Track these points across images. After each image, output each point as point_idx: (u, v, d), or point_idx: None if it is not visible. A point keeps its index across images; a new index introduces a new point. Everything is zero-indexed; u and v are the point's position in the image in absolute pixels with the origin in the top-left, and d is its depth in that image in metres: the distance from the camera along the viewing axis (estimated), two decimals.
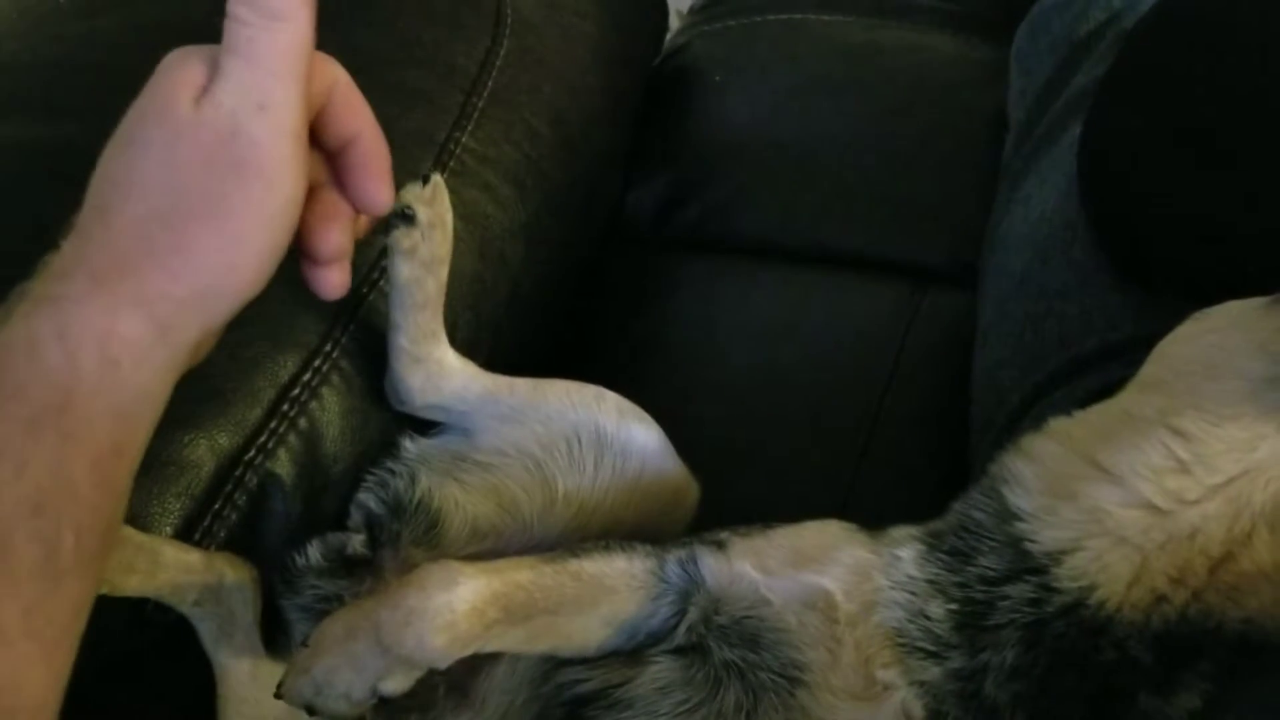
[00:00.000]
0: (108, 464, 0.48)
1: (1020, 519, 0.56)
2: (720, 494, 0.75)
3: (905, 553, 0.58)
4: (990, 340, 0.85)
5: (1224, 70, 0.71)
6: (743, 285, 1.08)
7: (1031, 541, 0.55)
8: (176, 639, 0.65)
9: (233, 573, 0.65)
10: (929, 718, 0.55)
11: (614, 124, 1.09)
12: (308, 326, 0.73)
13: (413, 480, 0.71)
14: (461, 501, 0.70)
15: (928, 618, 0.56)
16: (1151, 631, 0.53)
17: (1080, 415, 0.59)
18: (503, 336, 0.86)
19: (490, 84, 0.91)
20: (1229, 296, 0.58)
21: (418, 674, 0.58)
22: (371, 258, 0.76)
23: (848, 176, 1.11)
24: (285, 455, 0.69)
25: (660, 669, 0.58)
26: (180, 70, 0.52)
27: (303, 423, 0.71)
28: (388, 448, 0.74)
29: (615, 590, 0.59)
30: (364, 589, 0.67)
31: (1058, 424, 0.59)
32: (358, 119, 0.58)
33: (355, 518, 0.72)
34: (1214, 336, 0.57)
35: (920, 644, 0.55)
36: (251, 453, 0.68)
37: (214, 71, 0.51)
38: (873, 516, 0.62)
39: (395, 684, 0.57)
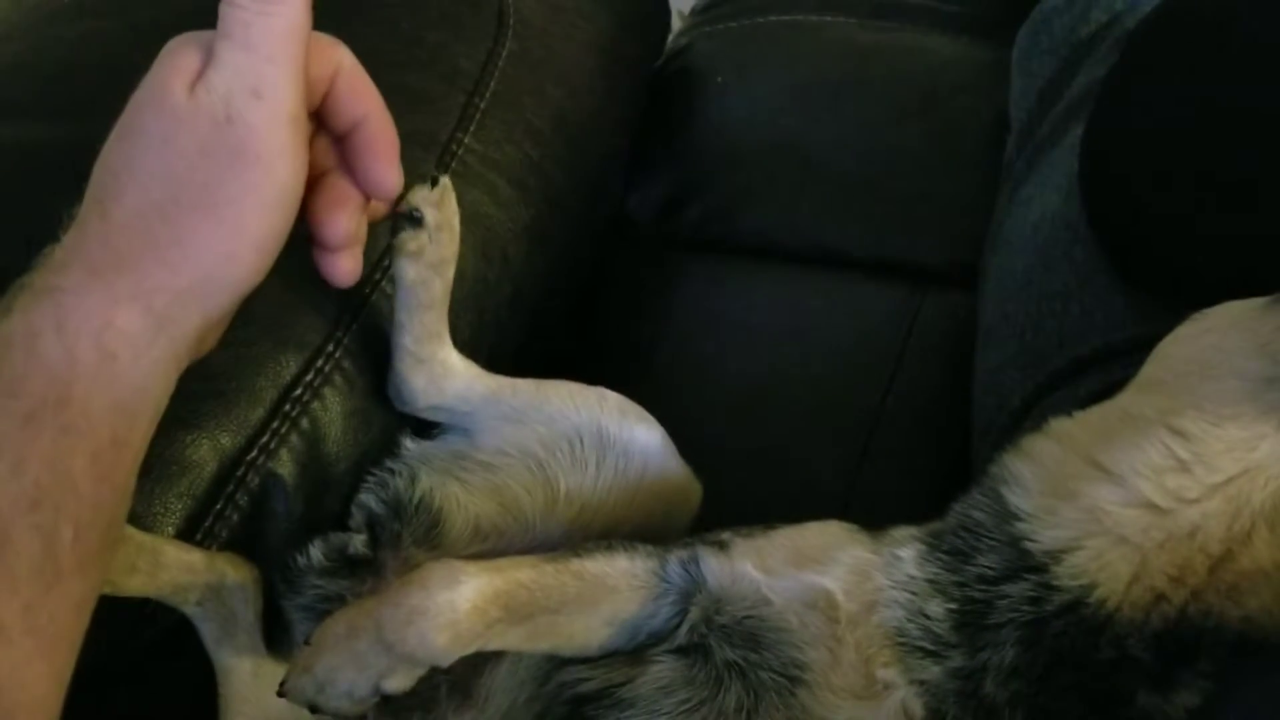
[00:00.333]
0: (107, 458, 0.48)
1: (1020, 519, 0.56)
2: (721, 494, 0.75)
3: (906, 552, 0.58)
4: (991, 341, 0.85)
5: (1225, 72, 0.71)
6: (744, 286, 1.08)
7: (1031, 541, 0.55)
8: (178, 639, 0.65)
9: (234, 572, 0.65)
10: (929, 717, 0.55)
11: (616, 125, 1.09)
12: (310, 326, 0.73)
13: (413, 480, 0.71)
14: (463, 501, 0.71)
15: (927, 617, 0.56)
16: (1151, 630, 0.53)
17: (1080, 416, 0.59)
18: (505, 336, 0.86)
19: (492, 85, 0.91)
20: (1229, 297, 0.58)
21: (420, 672, 0.58)
22: (373, 258, 0.76)
23: (849, 177, 1.11)
24: (287, 455, 0.69)
25: (662, 668, 0.58)
26: (176, 58, 0.51)
27: (305, 423, 0.71)
28: (389, 447, 0.74)
29: (617, 590, 0.59)
30: (365, 589, 0.67)
31: (1058, 424, 0.59)
32: (364, 102, 0.57)
33: (357, 518, 0.72)
34: (1213, 337, 0.57)
35: (920, 643, 0.55)
36: (253, 453, 0.68)
37: (209, 58, 0.51)
38: (874, 517, 0.62)
39: (398, 682, 0.57)
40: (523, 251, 0.89)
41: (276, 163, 0.51)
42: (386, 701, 0.58)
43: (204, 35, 0.52)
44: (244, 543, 0.67)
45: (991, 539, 0.57)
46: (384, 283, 0.76)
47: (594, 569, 0.60)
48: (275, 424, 0.69)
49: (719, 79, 1.20)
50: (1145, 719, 0.53)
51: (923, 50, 1.19)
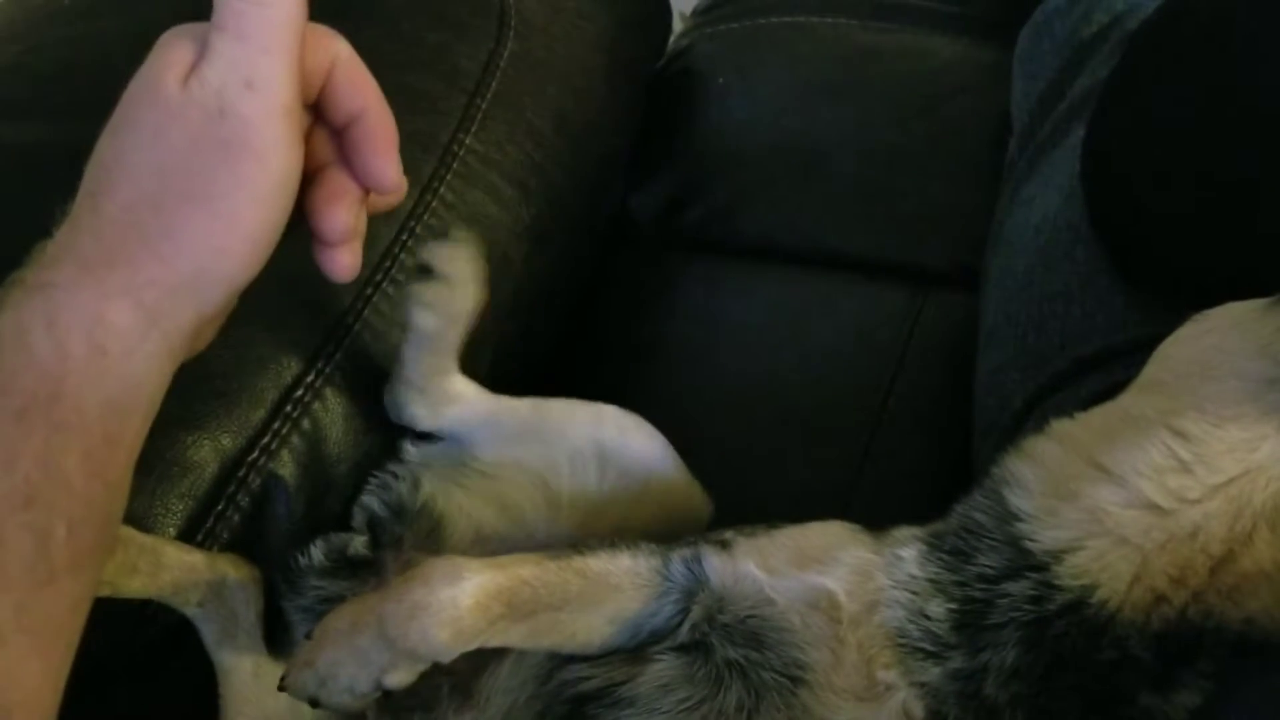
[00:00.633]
0: (100, 455, 0.48)
1: (1021, 519, 0.56)
2: (721, 496, 0.75)
3: (907, 552, 0.58)
4: (993, 342, 0.85)
5: (1227, 73, 0.71)
6: (745, 287, 1.08)
7: (1032, 541, 0.55)
8: (179, 639, 0.65)
9: (235, 573, 0.65)
10: (930, 719, 0.55)
11: (617, 126, 1.09)
12: (311, 327, 0.73)
13: (416, 484, 0.71)
14: (466, 507, 0.71)
15: (928, 617, 0.56)
16: (1152, 631, 0.53)
17: (1082, 417, 0.59)
18: (506, 338, 0.86)
19: (494, 86, 0.91)
20: (1231, 298, 0.58)
21: (422, 668, 0.58)
22: (374, 259, 0.76)
23: (851, 178, 1.11)
24: (288, 456, 0.70)
25: (662, 667, 0.58)
26: (170, 51, 0.51)
27: (306, 424, 0.71)
28: (391, 450, 0.74)
29: (620, 588, 0.59)
30: (366, 590, 0.67)
31: (1059, 426, 0.59)
32: (362, 94, 0.56)
33: (358, 519, 0.72)
34: (1214, 338, 0.57)
35: (920, 644, 0.55)
36: (255, 454, 0.68)
37: (203, 50, 0.50)
38: (875, 519, 0.62)
39: (399, 677, 0.57)
40: (523, 252, 0.89)
41: (270, 155, 0.50)
42: (388, 696, 0.58)
43: (198, 28, 0.51)
44: (245, 543, 0.67)
45: (992, 539, 0.56)
46: (385, 284, 0.76)
47: (597, 567, 0.60)
48: (276, 425, 0.69)
49: (720, 80, 1.20)
50: (1146, 719, 0.53)
51: (924, 51, 1.19)
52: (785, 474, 0.95)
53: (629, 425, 0.73)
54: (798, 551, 0.59)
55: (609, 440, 0.72)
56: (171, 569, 0.62)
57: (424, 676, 0.58)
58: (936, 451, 0.95)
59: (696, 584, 0.59)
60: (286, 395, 0.70)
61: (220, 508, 0.66)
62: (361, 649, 0.57)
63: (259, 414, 0.69)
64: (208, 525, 0.66)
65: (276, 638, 0.67)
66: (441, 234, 0.68)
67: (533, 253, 0.90)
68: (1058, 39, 0.94)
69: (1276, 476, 0.52)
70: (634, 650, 0.60)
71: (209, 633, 0.66)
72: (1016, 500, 0.57)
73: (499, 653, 0.63)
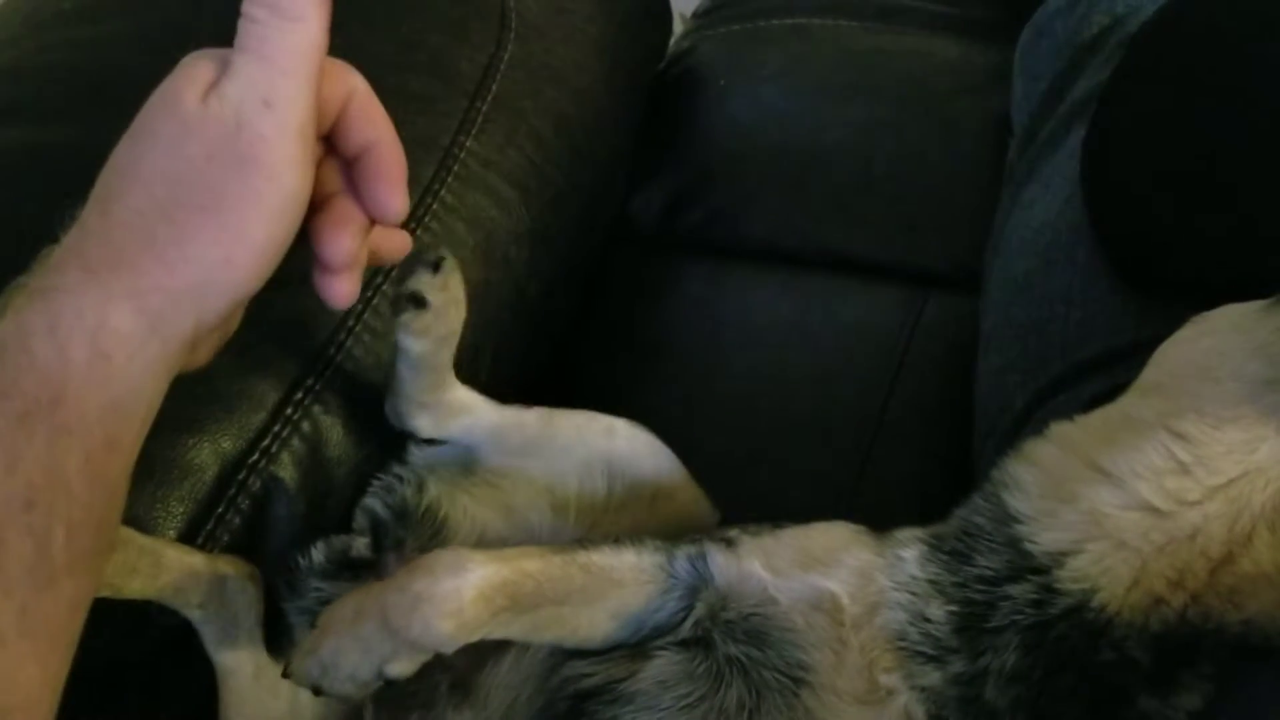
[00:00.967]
0: (100, 459, 0.48)
1: (1020, 521, 0.56)
2: (723, 496, 0.75)
3: (908, 553, 0.58)
4: (993, 345, 0.85)
5: (1227, 75, 0.71)
6: (746, 289, 1.08)
7: (1032, 543, 0.55)
8: (179, 641, 0.65)
9: (235, 575, 0.65)
10: None
11: (618, 128, 1.09)
12: (312, 330, 0.73)
13: (420, 487, 0.71)
14: (470, 510, 0.71)
15: (928, 620, 0.56)
16: (1150, 632, 0.53)
17: (1081, 419, 0.59)
18: (506, 340, 0.86)
19: (494, 88, 0.91)
20: (1231, 300, 0.58)
21: (424, 658, 0.58)
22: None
23: (851, 181, 1.11)
24: (289, 459, 0.70)
25: (663, 663, 0.58)
26: (192, 68, 0.52)
27: (306, 426, 0.71)
28: (393, 453, 0.74)
29: (623, 583, 0.59)
30: None
31: (1059, 428, 0.59)
32: (375, 128, 0.58)
33: (360, 521, 0.72)
34: (1213, 339, 0.57)
35: (921, 648, 0.55)
36: (255, 456, 0.68)
37: (225, 69, 0.51)
38: (876, 520, 0.62)
39: (401, 667, 0.57)
40: (524, 254, 0.89)
41: (283, 171, 0.51)
42: (389, 686, 0.58)
43: (222, 51, 0.53)
44: (245, 546, 0.67)
45: (992, 542, 0.56)
46: (385, 286, 0.76)
47: (601, 562, 0.60)
48: (277, 428, 0.69)
49: (721, 82, 1.20)
50: None
51: (925, 53, 1.19)
52: (786, 475, 0.95)
53: (638, 440, 0.73)
54: (802, 552, 0.59)
55: (618, 454, 0.72)
56: (172, 570, 0.62)
57: (422, 673, 0.58)
58: (937, 453, 0.95)
59: (700, 581, 0.59)
60: (287, 398, 0.70)
61: (221, 510, 0.66)
62: (365, 638, 0.57)
63: (259, 417, 0.69)
64: (208, 528, 0.66)
65: (277, 640, 0.67)
66: (423, 250, 0.68)
67: (533, 255, 0.90)
68: (1058, 41, 0.94)
69: (1275, 478, 0.52)
70: (635, 647, 0.60)
71: (209, 634, 0.66)
72: (1016, 503, 0.57)
73: (499, 649, 0.63)
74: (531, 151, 0.92)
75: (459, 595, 0.55)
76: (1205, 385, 0.55)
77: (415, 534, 0.70)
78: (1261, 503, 0.52)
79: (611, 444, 0.73)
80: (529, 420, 0.73)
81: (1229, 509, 0.52)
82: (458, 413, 0.72)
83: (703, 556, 0.60)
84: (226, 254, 0.51)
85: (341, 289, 0.59)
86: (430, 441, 0.74)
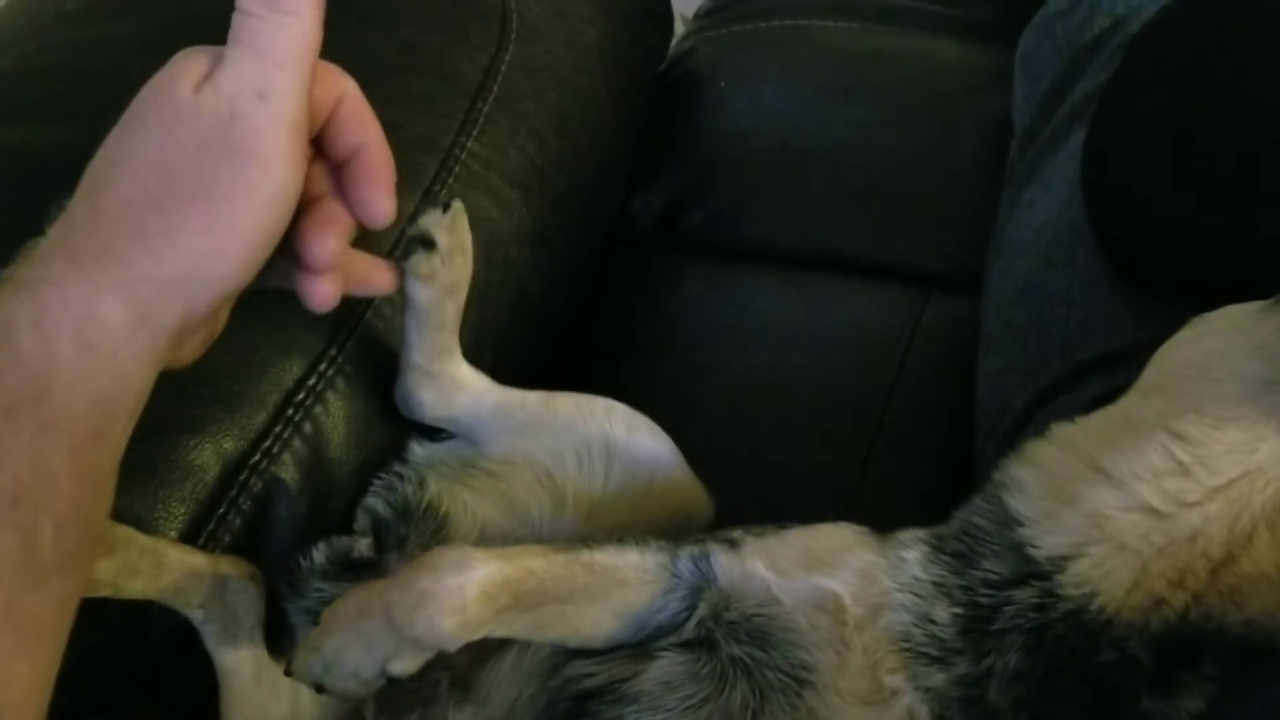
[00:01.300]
0: (86, 453, 0.48)
1: (1021, 524, 0.56)
2: (724, 496, 0.75)
3: (911, 554, 0.58)
4: (994, 346, 0.85)
5: (1228, 77, 0.71)
6: (747, 290, 1.08)
7: (1034, 547, 0.55)
8: (179, 641, 0.65)
9: (237, 575, 0.65)
10: None
11: (619, 129, 1.09)
12: (312, 330, 0.73)
13: (421, 485, 0.71)
14: (471, 505, 0.71)
15: (933, 622, 0.56)
16: (1152, 633, 0.53)
17: (1082, 420, 0.59)
18: (507, 340, 0.86)
19: (495, 89, 0.91)
20: (1232, 301, 0.58)
21: (427, 656, 0.58)
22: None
23: (852, 182, 1.11)
24: (290, 459, 0.70)
25: (666, 663, 0.58)
26: (185, 61, 0.52)
27: (307, 427, 0.71)
28: (395, 452, 0.74)
29: (626, 582, 0.59)
30: None
31: (1059, 429, 0.59)
32: (365, 131, 0.58)
33: (362, 521, 0.72)
34: (1213, 340, 0.57)
35: (925, 649, 0.55)
36: (256, 457, 0.68)
37: (219, 62, 0.51)
38: (876, 522, 0.62)
39: (404, 665, 0.57)
40: (525, 255, 0.89)
41: (274, 164, 0.51)
42: (392, 684, 0.58)
43: (215, 47, 0.53)
44: (247, 546, 0.67)
45: (994, 544, 0.56)
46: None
47: (604, 561, 0.60)
48: (278, 428, 0.69)
49: (722, 83, 1.20)
50: None
51: (926, 54, 1.19)
52: (787, 475, 0.95)
53: (637, 422, 0.74)
54: (805, 553, 0.59)
55: (616, 436, 0.73)
56: (173, 571, 0.62)
57: (423, 671, 0.58)
58: (938, 454, 0.95)
59: (704, 581, 0.59)
60: (288, 399, 0.70)
61: (222, 511, 0.66)
62: (368, 635, 0.57)
63: (260, 417, 0.69)
64: (209, 528, 0.66)
65: (278, 640, 0.67)
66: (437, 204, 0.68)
67: (534, 255, 0.90)
68: (1059, 42, 0.94)
69: (1275, 478, 0.52)
70: (638, 646, 0.60)
71: (210, 634, 0.66)
72: (1016, 504, 0.57)
73: (500, 647, 0.63)
74: (533, 152, 0.92)
75: (462, 593, 0.55)
76: (1205, 386, 0.55)
77: (417, 531, 0.70)
78: (1262, 503, 0.52)
79: (610, 422, 0.73)
80: (531, 399, 0.74)
81: (1229, 509, 0.52)
82: (462, 388, 0.73)
83: (706, 556, 0.60)
84: (216, 244, 0.51)
85: (324, 290, 0.59)
86: (433, 436, 0.74)
